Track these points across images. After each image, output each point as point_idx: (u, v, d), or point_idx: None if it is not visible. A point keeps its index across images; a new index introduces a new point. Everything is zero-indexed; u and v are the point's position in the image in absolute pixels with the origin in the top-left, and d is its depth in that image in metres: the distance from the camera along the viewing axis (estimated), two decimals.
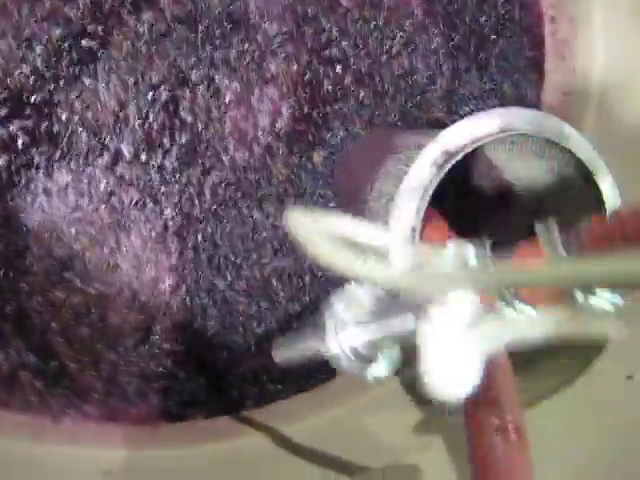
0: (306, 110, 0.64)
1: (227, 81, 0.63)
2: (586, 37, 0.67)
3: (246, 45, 0.64)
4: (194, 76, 0.63)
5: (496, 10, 0.68)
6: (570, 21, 0.68)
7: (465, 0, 0.66)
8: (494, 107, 0.45)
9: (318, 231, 0.20)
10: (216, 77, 0.64)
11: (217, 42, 0.62)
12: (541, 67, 0.70)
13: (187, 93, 0.63)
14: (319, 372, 0.64)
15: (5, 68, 0.59)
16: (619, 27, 0.62)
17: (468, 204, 0.60)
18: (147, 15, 0.63)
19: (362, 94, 0.65)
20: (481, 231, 0.39)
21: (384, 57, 0.65)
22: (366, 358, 0.34)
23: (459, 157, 0.42)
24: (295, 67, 0.64)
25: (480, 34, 0.68)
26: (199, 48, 0.64)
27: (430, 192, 0.42)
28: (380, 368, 0.34)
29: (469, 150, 0.43)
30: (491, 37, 0.69)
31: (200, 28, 0.64)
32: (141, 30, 0.63)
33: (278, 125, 0.63)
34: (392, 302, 0.31)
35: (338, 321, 0.34)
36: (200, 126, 0.62)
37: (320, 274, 0.64)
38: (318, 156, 0.65)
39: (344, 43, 0.64)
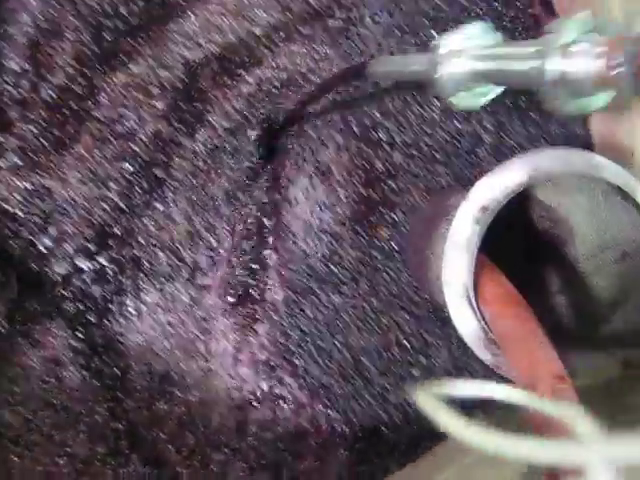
0: (364, 192, 0.72)
1: (285, 177, 0.72)
2: None
3: (296, 144, 0.73)
4: (257, 176, 0.73)
5: None
6: None
7: None
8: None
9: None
10: (271, 174, 0.73)
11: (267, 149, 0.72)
12: None
13: (247, 198, 0.72)
14: (425, 439, 0.70)
15: (89, 209, 0.71)
16: None
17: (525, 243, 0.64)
18: (201, 134, 0.74)
19: (413, 166, 0.73)
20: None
21: (427, 127, 0.73)
22: (466, 86, 0.41)
23: (497, 210, 0.46)
24: (346, 155, 0.73)
25: None
26: (252, 153, 0.73)
27: (474, 248, 0.45)
28: (473, 100, 0.41)
29: (505, 202, 0.46)
30: None
31: (248, 141, 0.73)
32: (197, 149, 0.73)
33: (340, 211, 0.72)
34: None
35: (453, 48, 0.40)
36: (268, 223, 0.71)
37: (408, 344, 0.70)
38: (384, 232, 0.72)
39: (387, 123, 0.73)
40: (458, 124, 0.73)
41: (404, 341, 0.69)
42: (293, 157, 0.72)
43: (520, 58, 0.33)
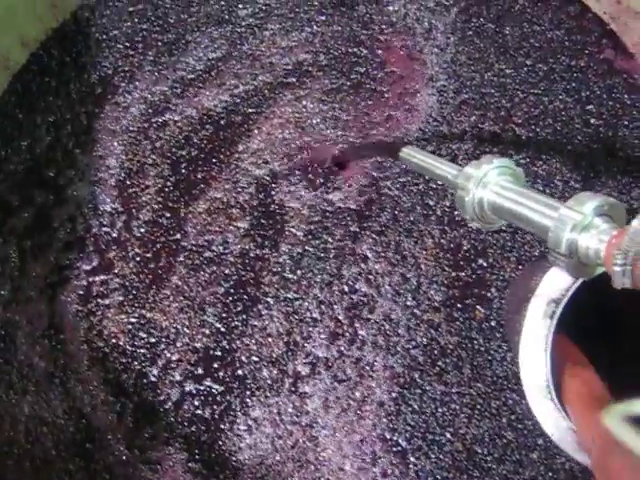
0: (454, 275, 0.84)
1: (374, 269, 0.85)
2: None
3: (382, 236, 0.86)
4: (343, 275, 0.86)
5: None
6: None
7: None
8: None
9: None
10: (358, 270, 0.86)
11: (350, 241, 0.85)
12: None
13: (339, 297, 0.85)
14: None
15: (191, 336, 0.86)
16: None
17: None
18: (284, 246, 0.88)
19: (501, 239, 0.84)
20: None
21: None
22: (481, 213, 0.51)
23: (569, 299, 0.55)
24: (430, 240, 0.85)
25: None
26: (336, 253, 0.87)
27: (549, 345, 0.53)
28: (480, 226, 0.51)
29: (574, 290, 0.53)
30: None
31: (330, 236, 0.87)
32: (282, 260, 0.88)
33: (433, 296, 0.84)
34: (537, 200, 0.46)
35: (487, 175, 0.50)
36: (360, 322, 0.84)
37: (521, 426, 0.80)
38: (480, 313, 0.84)
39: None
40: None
41: (517, 423, 0.80)
42: (378, 249, 0.85)
43: (538, 212, 0.45)
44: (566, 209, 0.40)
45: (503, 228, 0.83)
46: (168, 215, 0.89)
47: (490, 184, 0.49)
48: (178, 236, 0.88)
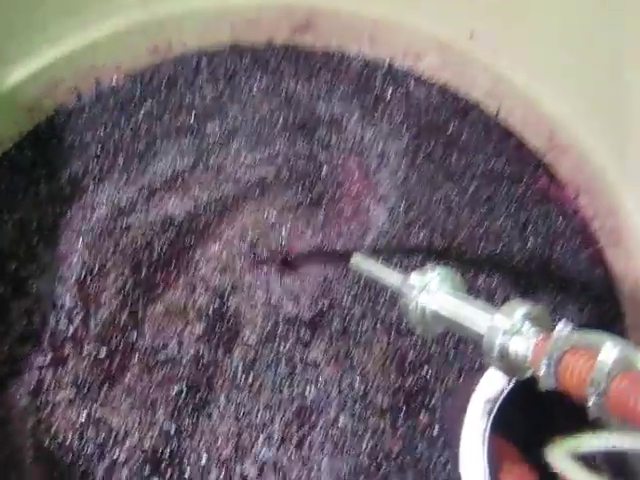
0: (400, 382, 0.95)
1: (323, 376, 0.96)
2: None
3: (332, 343, 0.98)
4: (294, 381, 0.96)
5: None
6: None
7: None
8: None
9: None
10: (308, 376, 0.97)
11: (300, 347, 0.96)
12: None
13: (289, 402, 0.95)
14: None
15: (140, 436, 0.94)
16: None
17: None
18: (237, 351, 0.99)
19: (444, 350, 0.97)
20: None
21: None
22: (426, 318, 0.60)
23: (502, 399, 0.67)
24: (378, 348, 0.97)
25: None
26: (287, 359, 0.98)
27: (486, 438, 0.65)
28: (422, 332, 0.61)
29: (508, 389, 0.66)
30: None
31: (282, 343, 0.99)
32: (235, 365, 0.98)
33: (379, 402, 0.94)
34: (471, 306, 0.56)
35: (429, 284, 0.60)
36: (308, 425, 0.93)
37: None
38: (424, 419, 0.95)
39: None
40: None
41: None
42: (328, 356, 0.97)
43: (474, 321, 0.58)
44: (499, 315, 0.53)
45: (445, 338, 0.97)
46: (126, 315, 1.00)
47: (432, 292, 0.62)
48: (134, 336, 0.98)
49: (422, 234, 1.01)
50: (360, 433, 0.90)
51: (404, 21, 1.07)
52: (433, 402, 0.92)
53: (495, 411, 0.65)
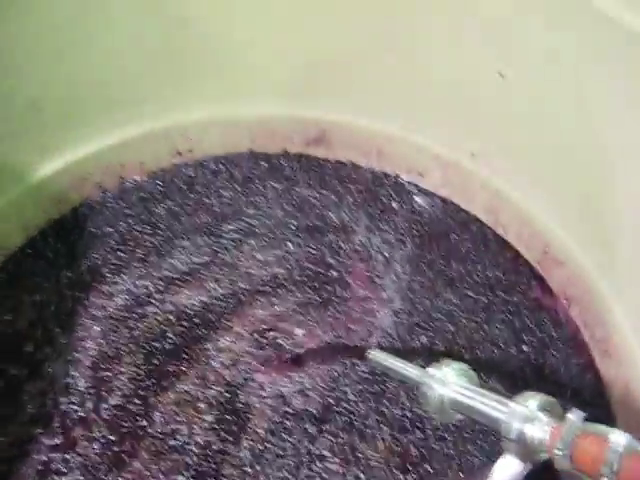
0: (402, 477, 1.01)
1: (329, 470, 1.03)
2: None
3: (338, 438, 1.05)
4: (300, 473, 1.03)
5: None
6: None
7: None
8: None
9: None
10: (314, 469, 1.04)
11: (307, 440, 1.03)
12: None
13: None
14: None
15: None
16: None
17: None
18: (245, 442, 1.06)
19: (445, 448, 1.04)
20: None
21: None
22: (444, 406, 0.68)
23: None
24: (382, 444, 1.04)
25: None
26: (294, 452, 1.05)
27: None
28: (440, 419, 0.70)
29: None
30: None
31: (290, 436, 1.06)
32: (243, 455, 1.05)
33: None
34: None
35: (446, 376, 0.68)
36: None
37: None
38: None
39: (416, 410, 1.06)
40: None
41: None
42: (334, 450, 1.04)
43: (493, 408, 0.68)
44: (515, 404, 0.63)
45: (446, 437, 1.05)
46: (137, 402, 1.06)
47: (450, 383, 0.72)
48: (145, 422, 1.04)
49: (424, 337, 1.11)
50: None
51: (411, 139, 1.21)
52: None
53: None
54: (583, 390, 1.07)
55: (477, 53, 1.03)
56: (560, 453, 0.56)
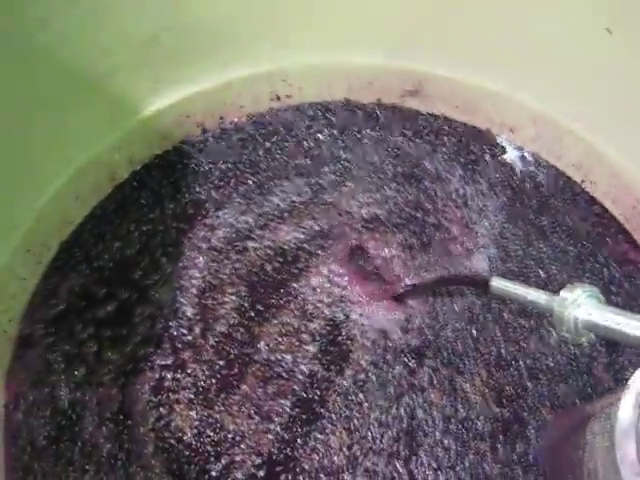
0: (498, 410, 1.04)
1: (429, 400, 1.06)
2: None
3: (437, 372, 1.08)
4: (401, 402, 1.06)
5: None
6: None
7: None
8: None
9: None
10: (415, 399, 1.07)
11: (407, 373, 1.07)
12: None
13: (397, 421, 1.05)
14: None
15: (256, 440, 1.02)
16: None
17: None
18: (348, 372, 1.09)
19: (539, 387, 1.07)
20: None
21: (547, 351, 1.10)
22: (578, 327, 0.71)
23: None
24: (478, 379, 1.08)
25: None
26: (395, 383, 1.08)
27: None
28: (573, 340, 0.73)
29: None
30: None
31: (391, 368, 1.09)
32: (346, 384, 1.08)
33: (479, 427, 1.04)
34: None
35: (579, 299, 0.71)
36: (408, 448, 1.02)
37: None
38: (520, 448, 1.04)
39: (511, 349, 1.09)
40: (574, 349, 1.11)
41: None
42: (433, 383, 1.07)
43: (633, 326, 0.70)
44: None
45: (539, 377, 1.08)
46: (242, 330, 1.09)
47: (583, 304, 0.75)
48: (250, 350, 1.07)
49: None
50: (462, 454, 1.00)
51: (504, 94, 1.23)
52: (527, 433, 1.02)
53: None
54: None
55: (582, 6, 1.04)
56: None
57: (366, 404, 1.02)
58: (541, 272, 1.15)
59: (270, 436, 0.98)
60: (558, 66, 1.13)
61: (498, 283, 0.88)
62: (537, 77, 1.18)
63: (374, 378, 1.04)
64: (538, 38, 1.12)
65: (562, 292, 0.75)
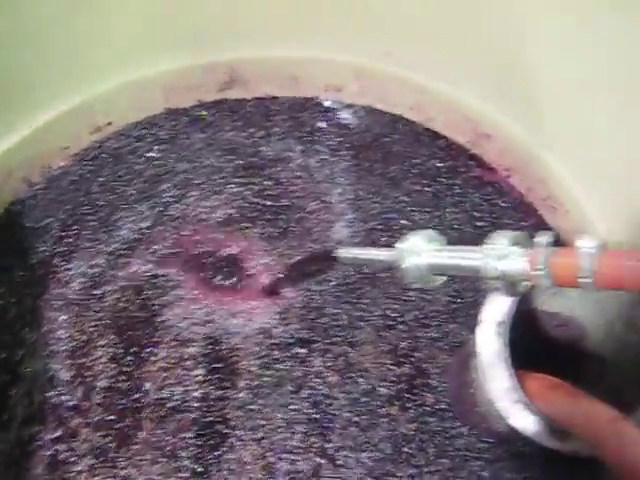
0: (398, 370, 1.02)
1: (327, 384, 1.03)
2: None
3: (328, 352, 1.05)
4: (301, 395, 1.02)
5: None
6: None
7: None
8: None
9: None
10: (313, 387, 1.04)
11: (299, 363, 1.03)
12: None
13: (302, 414, 1.01)
14: None
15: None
16: None
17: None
18: (241, 382, 1.05)
19: (430, 332, 1.06)
20: None
21: (426, 296, 1.08)
22: (423, 273, 0.70)
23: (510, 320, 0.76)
24: (370, 346, 1.05)
25: None
26: (290, 377, 1.04)
27: (507, 356, 0.73)
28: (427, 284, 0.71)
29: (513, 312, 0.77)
30: None
31: (282, 364, 1.05)
32: (242, 395, 1.04)
33: (385, 393, 1.01)
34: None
35: (416, 245, 0.70)
36: (326, 436, 0.99)
37: None
38: (429, 398, 1.02)
39: (393, 305, 1.07)
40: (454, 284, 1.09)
41: None
42: (327, 364, 1.04)
43: (472, 258, 0.68)
44: (486, 247, 0.63)
45: (428, 323, 1.06)
46: (124, 378, 1.03)
47: (422, 251, 0.72)
48: (138, 395, 1.02)
49: (383, 238, 1.11)
50: (375, 425, 0.97)
51: (322, 57, 1.19)
52: (432, 382, 1.00)
53: (507, 333, 0.75)
54: None
55: None
56: (541, 273, 0.57)
57: (267, 409, 0.98)
58: (404, 221, 1.13)
59: (183, 474, 0.94)
60: (366, 12, 1.09)
61: (343, 253, 0.85)
62: (347, 29, 1.14)
63: (268, 380, 1.00)
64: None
65: (397, 244, 0.72)
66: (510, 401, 0.72)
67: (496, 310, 0.75)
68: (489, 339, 0.74)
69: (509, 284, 0.62)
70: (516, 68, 1.03)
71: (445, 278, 0.71)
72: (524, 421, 0.71)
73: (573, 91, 0.96)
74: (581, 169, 1.04)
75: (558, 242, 0.62)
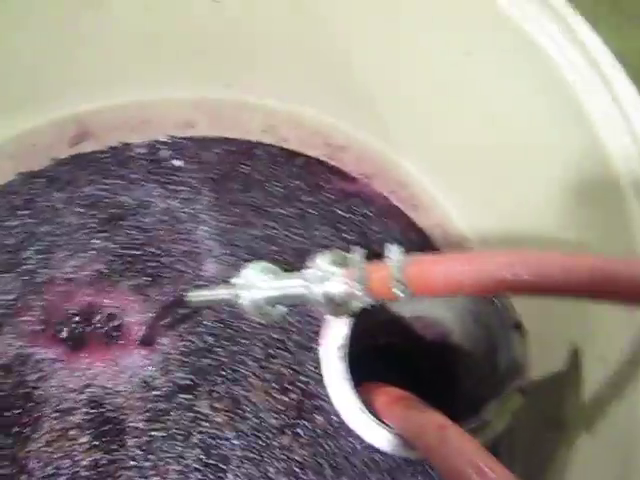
0: (285, 398, 1.01)
1: (216, 425, 1.01)
2: None
3: (213, 393, 1.02)
4: (192, 442, 1.00)
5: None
6: None
7: None
8: None
9: None
10: (203, 430, 1.01)
11: (186, 410, 1.01)
12: None
13: (197, 461, 0.99)
14: None
15: None
16: None
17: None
18: (130, 441, 1.02)
19: (311, 352, 1.05)
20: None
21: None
22: (261, 306, 0.69)
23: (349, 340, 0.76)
24: (254, 378, 1.03)
25: None
26: (178, 426, 1.02)
27: (348, 377, 0.75)
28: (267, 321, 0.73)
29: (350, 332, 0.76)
30: None
31: (168, 415, 1.02)
32: (133, 454, 1.01)
33: (274, 424, 1.00)
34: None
35: (249, 279, 0.69)
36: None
37: None
38: (319, 420, 1.01)
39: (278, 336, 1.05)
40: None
41: None
42: (214, 405, 1.01)
43: (296, 286, 0.68)
44: (307, 271, 0.63)
45: (313, 346, 1.05)
46: (6, 463, 0.98)
47: (254, 285, 0.71)
48: (23, 476, 0.98)
49: None
50: (270, 457, 0.96)
51: (165, 97, 1.18)
52: (320, 403, 0.99)
53: (347, 354, 0.74)
54: (412, 247, 1.11)
55: None
56: (360, 293, 0.56)
57: (161, 463, 0.95)
58: (273, 247, 1.12)
59: None
60: (205, 55, 1.08)
61: (192, 297, 0.83)
62: (181, 66, 1.13)
63: (157, 434, 0.97)
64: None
65: (233, 280, 0.71)
66: (359, 420, 0.72)
67: (334, 333, 0.75)
68: (330, 363, 0.74)
69: (337, 306, 0.61)
70: (354, 78, 1.04)
71: (286, 309, 0.71)
72: (375, 436, 0.71)
73: (406, 92, 0.98)
74: (432, 167, 1.05)
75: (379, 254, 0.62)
